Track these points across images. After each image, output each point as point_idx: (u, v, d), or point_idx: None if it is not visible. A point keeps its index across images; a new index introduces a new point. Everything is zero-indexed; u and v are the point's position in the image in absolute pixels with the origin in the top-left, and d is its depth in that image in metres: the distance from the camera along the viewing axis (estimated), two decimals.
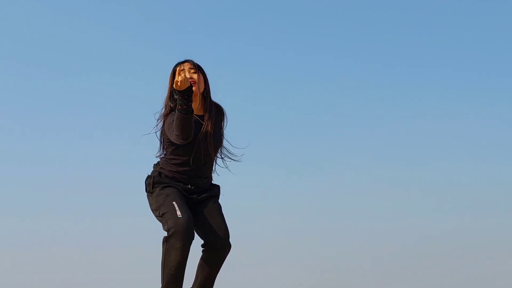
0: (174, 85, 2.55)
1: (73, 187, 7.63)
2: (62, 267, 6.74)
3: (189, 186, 2.83)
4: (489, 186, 8.06)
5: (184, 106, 2.56)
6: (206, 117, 2.82)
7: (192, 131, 2.64)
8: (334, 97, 8.98)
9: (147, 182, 2.89)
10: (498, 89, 8.79)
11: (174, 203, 2.68)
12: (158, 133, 2.89)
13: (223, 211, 2.90)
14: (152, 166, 2.95)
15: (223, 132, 2.89)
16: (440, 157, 8.60)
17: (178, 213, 2.63)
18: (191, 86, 2.57)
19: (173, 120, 2.67)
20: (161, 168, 2.87)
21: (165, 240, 2.64)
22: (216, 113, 2.86)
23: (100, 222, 7.07)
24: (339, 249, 7.31)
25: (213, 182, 2.98)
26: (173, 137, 2.68)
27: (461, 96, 8.85)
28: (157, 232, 2.77)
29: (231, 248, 2.77)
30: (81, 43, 8.76)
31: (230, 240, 2.77)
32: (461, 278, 6.54)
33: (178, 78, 2.52)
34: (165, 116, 2.82)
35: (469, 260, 6.91)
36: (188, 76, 2.70)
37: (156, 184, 2.82)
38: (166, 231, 2.65)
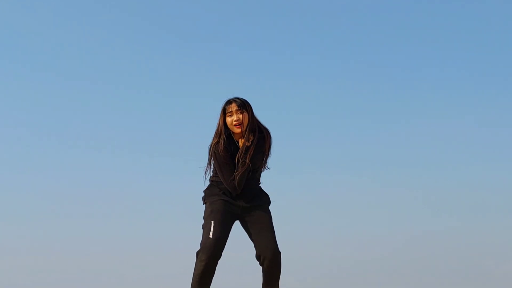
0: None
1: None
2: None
3: (234, 197, 3.29)
4: (487, 188, 8.08)
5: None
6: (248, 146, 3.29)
7: (232, 176, 3.23)
8: (333, 98, 9.01)
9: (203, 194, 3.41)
10: (498, 90, 8.81)
11: (212, 222, 3.18)
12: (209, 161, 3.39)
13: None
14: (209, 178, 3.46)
15: (266, 153, 3.35)
16: (438, 159, 8.62)
17: (211, 233, 3.13)
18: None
19: (223, 163, 3.26)
20: (213, 183, 3.38)
21: (196, 253, 3.15)
22: (259, 139, 3.33)
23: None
24: (338, 251, 7.33)
25: (262, 187, 3.39)
26: (228, 184, 3.25)
27: (459, 97, 8.88)
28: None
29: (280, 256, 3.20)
30: (82, 49, 8.82)
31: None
32: (458, 280, 6.55)
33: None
34: (214, 144, 3.32)
35: (466, 261, 6.93)
36: (235, 118, 3.27)
37: (207, 197, 3.34)
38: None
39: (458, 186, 8.16)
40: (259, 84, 8.95)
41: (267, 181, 3.48)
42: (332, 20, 9.05)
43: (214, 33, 8.92)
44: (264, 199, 3.35)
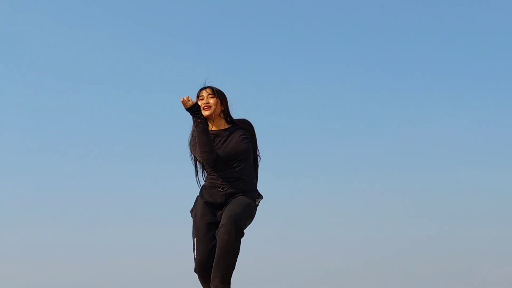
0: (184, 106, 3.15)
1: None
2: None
3: (220, 189, 3.21)
4: (478, 192, 8.10)
5: (198, 120, 3.15)
6: (226, 133, 3.26)
7: (210, 147, 3.13)
8: (327, 103, 9.08)
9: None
10: (487, 93, 8.81)
11: (194, 239, 3.17)
12: (193, 159, 3.37)
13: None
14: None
15: (249, 139, 3.28)
16: (426, 164, 8.63)
17: (195, 253, 3.14)
18: (195, 104, 3.17)
19: (195, 142, 3.19)
20: (204, 183, 3.31)
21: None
22: (239, 127, 3.31)
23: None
24: (334, 253, 7.39)
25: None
26: (198, 155, 3.19)
27: (454, 100, 8.90)
28: None
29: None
30: (82, 51, 8.90)
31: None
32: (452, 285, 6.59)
33: (181, 100, 3.12)
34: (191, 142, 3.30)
35: (452, 266, 6.96)
36: (205, 101, 3.25)
37: (192, 212, 3.27)
38: None
39: (448, 190, 8.17)
40: (255, 87, 9.03)
41: (272, 185, 3.44)
42: (330, 23, 9.12)
43: (213, 35, 8.99)
44: (247, 192, 3.21)
